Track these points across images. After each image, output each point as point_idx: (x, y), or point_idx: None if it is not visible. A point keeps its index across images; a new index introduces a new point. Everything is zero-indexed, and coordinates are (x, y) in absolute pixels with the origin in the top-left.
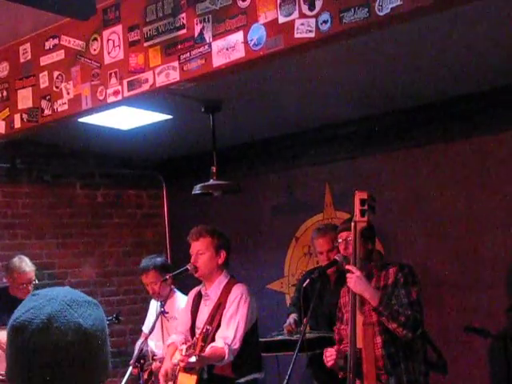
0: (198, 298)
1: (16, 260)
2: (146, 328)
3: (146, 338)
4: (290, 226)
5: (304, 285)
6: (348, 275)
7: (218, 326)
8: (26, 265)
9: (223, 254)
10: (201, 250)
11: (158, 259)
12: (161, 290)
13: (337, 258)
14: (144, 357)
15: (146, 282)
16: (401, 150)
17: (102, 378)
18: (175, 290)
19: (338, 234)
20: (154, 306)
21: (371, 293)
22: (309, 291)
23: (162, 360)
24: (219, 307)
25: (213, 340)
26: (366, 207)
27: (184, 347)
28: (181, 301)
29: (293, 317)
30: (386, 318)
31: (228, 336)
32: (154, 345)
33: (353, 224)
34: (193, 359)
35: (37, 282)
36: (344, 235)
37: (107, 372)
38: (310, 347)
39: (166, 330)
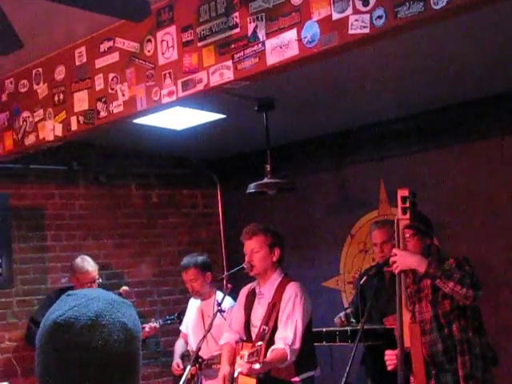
0: (252, 296)
1: (78, 260)
2: (184, 327)
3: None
4: (344, 224)
5: (361, 282)
6: (391, 259)
7: (275, 325)
8: (88, 264)
9: (277, 251)
10: (255, 248)
11: (199, 257)
12: (201, 287)
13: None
14: (198, 357)
15: (185, 279)
16: (456, 146)
17: (139, 381)
18: (215, 289)
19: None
20: (193, 305)
21: (418, 259)
22: (365, 289)
23: (207, 360)
24: (274, 306)
25: (271, 340)
26: (407, 205)
27: (246, 353)
28: (225, 301)
29: (343, 313)
30: (440, 281)
31: (288, 336)
32: (194, 343)
33: (395, 222)
34: (257, 366)
35: (100, 280)
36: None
37: (140, 376)
38: (365, 339)
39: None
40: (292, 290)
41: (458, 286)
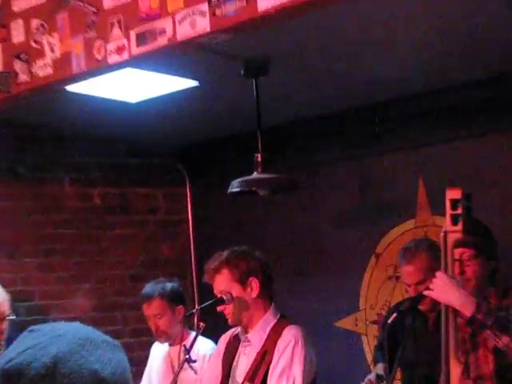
0: (234, 344)
1: None
2: (146, 382)
3: None
4: (366, 239)
5: (389, 321)
6: (430, 284)
7: (263, 383)
8: None
9: (254, 281)
10: (223, 291)
11: (168, 285)
12: (169, 327)
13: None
14: None
15: (148, 314)
16: None
17: None
18: (190, 331)
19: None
20: (157, 353)
21: (463, 297)
22: (396, 332)
23: None
24: (264, 357)
25: None
26: (459, 211)
27: None
28: (201, 346)
29: (373, 374)
30: (490, 331)
31: None
32: None
33: (442, 235)
34: None
35: (15, 317)
36: (459, 252)
37: None
38: None
39: None
40: (291, 334)
41: None
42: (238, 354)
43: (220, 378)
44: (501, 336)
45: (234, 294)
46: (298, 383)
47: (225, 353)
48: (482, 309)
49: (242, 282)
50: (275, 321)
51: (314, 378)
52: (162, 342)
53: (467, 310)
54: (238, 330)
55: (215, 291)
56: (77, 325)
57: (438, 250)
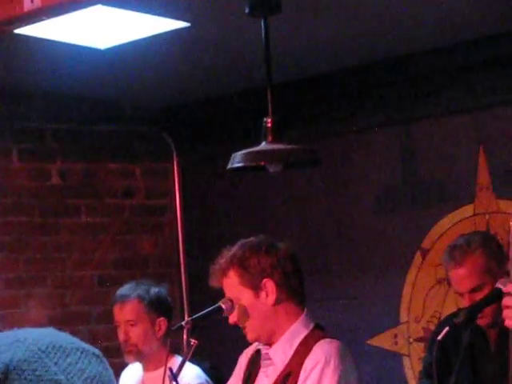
0: (257, 361)
1: None
2: None
3: None
4: (410, 230)
5: (439, 338)
6: (506, 303)
7: None
8: None
9: (269, 284)
10: (234, 298)
11: (154, 289)
12: (143, 341)
13: (500, 285)
14: None
15: (118, 318)
16: None
17: None
18: (175, 355)
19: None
20: (130, 378)
21: None
22: (448, 352)
23: None
24: (287, 379)
25: None
26: None
27: None
28: (185, 372)
29: None
30: None
31: None
32: None
33: (511, 225)
34: None
35: None
36: None
37: None
38: None
39: None
40: (322, 351)
41: None
42: (259, 375)
43: None
44: None
45: (246, 303)
46: None
47: (245, 372)
48: None
49: (254, 285)
50: (306, 333)
51: None
52: (129, 361)
53: None
54: (260, 344)
55: (226, 296)
56: (47, 330)
57: (498, 246)
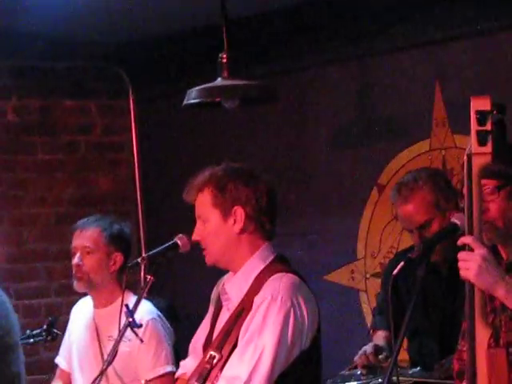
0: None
1: None
2: (63, 359)
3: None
4: (366, 166)
5: (394, 272)
6: (462, 257)
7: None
8: None
9: (238, 211)
10: (202, 215)
11: (115, 224)
12: (96, 271)
13: (456, 221)
14: None
15: (76, 244)
16: None
17: None
18: (129, 292)
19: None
20: (80, 315)
21: (505, 287)
22: (400, 286)
23: None
24: (239, 317)
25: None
26: (487, 127)
27: None
28: (140, 309)
29: (371, 345)
30: None
31: (240, 377)
32: None
33: (464, 160)
34: None
35: None
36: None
37: None
38: None
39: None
40: (270, 288)
41: None
42: (222, 310)
43: (203, 340)
44: None
45: (213, 224)
46: (268, 358)
47: (216, 305)
48: None
49: (224, 209)
50: (263, 266)
51: (310, 351)
52: (78, 288)
53: (511, 301)
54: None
55: (196, 214)
56: None
57: (445, 181)
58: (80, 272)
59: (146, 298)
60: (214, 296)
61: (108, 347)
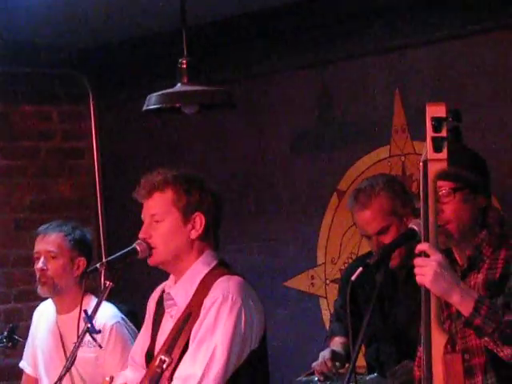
0: (162, 303)
1: None
2: (27, 363)
3: None
4: (326, 172)
5: (353, 278)
6: (418, 263)
7: (183, 355)
8: None
9: (199, 218)
10: (158, 215)
11: (78, 230)
12: (60, 276)
13: (414, 226)
14: None
15: (39, 249)
16: None
17: None
18: (91, 297)
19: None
20: (41, 322)
21: (460, 293)
22: (357, 292)
23: None
24: (187, 321)
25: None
26: (443, 133)
27: None
28: (99, 313)
29: (328, 351)
30: (490, 339)
31: (194, 375)
32: None
33: (421, 166)
34: None
35: None
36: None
37: None
38: None
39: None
40: (220, 289)
41: None
42: (164, 317)
43: (145, 351)
44: (502, 347)
45: (169, 225)
46: (221, 356)
47: (154, 315)
48: (482, 310)
49: (186, 213)
50: (207, 270)
51: (259, 350)
52: (43, 293)
53: (466, 308)
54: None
55: (145, 213)
56: None
57: (401, 186)
58: (44, 277)
59: (111, 303)
60: (150, 306)
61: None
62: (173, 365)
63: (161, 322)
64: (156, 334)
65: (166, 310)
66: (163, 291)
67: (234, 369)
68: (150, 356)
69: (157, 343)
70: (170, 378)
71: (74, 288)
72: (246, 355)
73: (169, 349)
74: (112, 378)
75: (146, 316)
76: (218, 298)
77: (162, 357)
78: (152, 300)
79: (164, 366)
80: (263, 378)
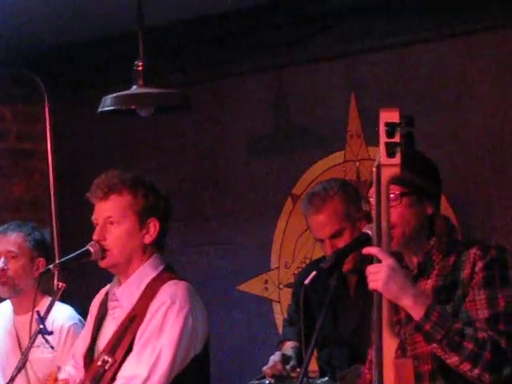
0: (105, 305)
1: None
2: None
3: None
4: (280, 176)
5: (306, 282)
6: (370, 270)
7: (126, 356)
8: None
9: (153, 223)
10: (113, 217)
11: (36, 231)
12: (19, 276)
13: (368, 231)
14: None
15: None
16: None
17: None
18: (45, 295)
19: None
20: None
21: (412, 297)
22: (312, 296)
23: None
24: (132, 323)
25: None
26: (397, 139)
27: None
28: (57, 314)
29: (278, 354)
30: (439, 346)
31: (139, 375)
32: None
33: (374, 171)
34: None
35: None
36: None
37: None
38: None
39: (29, 368)
40: (168, 293)
41: (465, 365)
42: (107, 318)
43: (84, 349)
44: (451, 354)
45: (125, 228)
46: (166, 358)
47: (96, 317)
48: (433, 316)
49: (142, 217)
50: (154, 275)
51: (204, 352)
52: (2, 294)
53: (416, 312)
54: (109, 286)
55: (96, 217)
56: None
57: (355, 190)
58: (4, 277)
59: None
60: (93, 307)
61: (30, 354)
62: (116, 365)
63: (103, 322)
64: (97, 335)
65: (110, 312)
66: (106, 293)
67: (177, 372)
68: (90, 356)
69: (100, 344)
70: (113, 378)
71: (33, 289)
72: (190, 359)
73: (112, 349)
74: (59, 368)
75: (88, 317)
76: (165, 301)
77: (105, 357)
78: (96, 301)
79: (107, 366)
80: (205, 382)
